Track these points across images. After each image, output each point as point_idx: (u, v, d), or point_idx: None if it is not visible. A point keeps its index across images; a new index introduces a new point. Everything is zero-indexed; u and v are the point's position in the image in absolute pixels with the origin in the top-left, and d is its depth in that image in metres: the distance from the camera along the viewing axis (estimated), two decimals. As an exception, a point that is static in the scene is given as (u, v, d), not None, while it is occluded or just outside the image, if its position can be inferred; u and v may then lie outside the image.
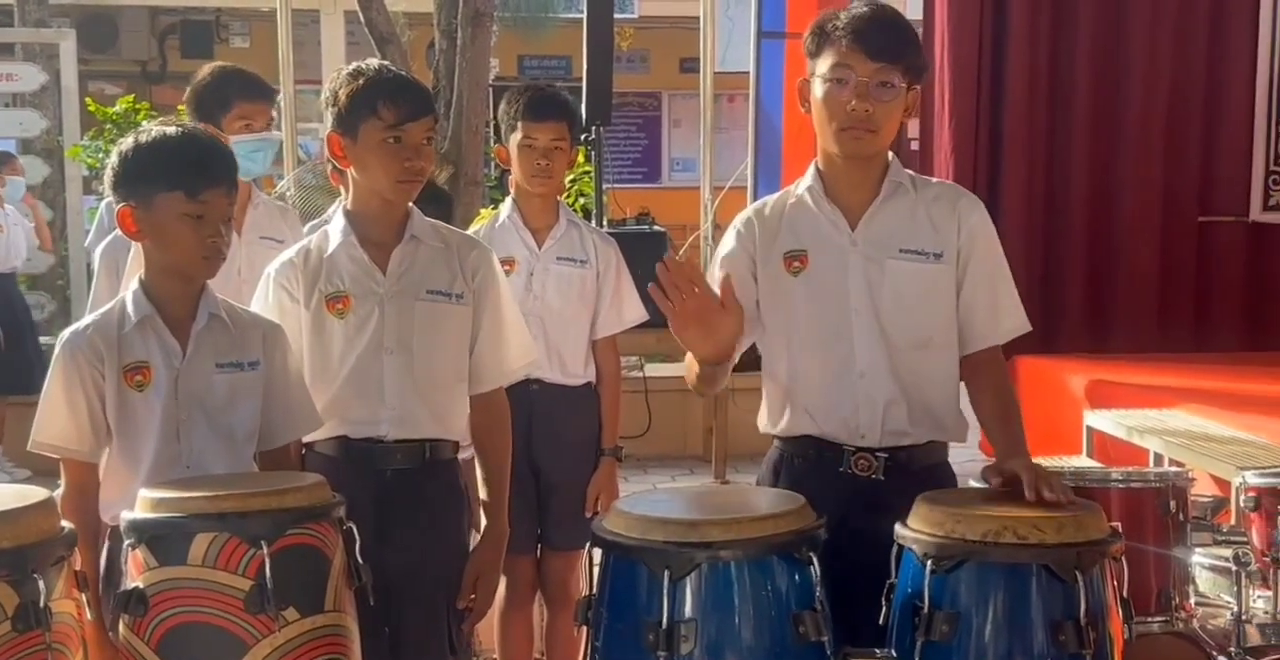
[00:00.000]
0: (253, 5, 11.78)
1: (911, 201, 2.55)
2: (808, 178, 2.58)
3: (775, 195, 2.66)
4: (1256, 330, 6.54)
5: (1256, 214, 6.52)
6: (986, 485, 2.34)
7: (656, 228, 6.71)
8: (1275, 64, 6.47)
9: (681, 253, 8.05)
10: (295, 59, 8.46)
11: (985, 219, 2.58)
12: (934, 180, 2.67)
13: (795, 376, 2.56)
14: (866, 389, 2.50)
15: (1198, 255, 6.52)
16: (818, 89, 2.48)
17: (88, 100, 8.82)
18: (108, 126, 8.05)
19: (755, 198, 7.02)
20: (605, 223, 6.87)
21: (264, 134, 3.51)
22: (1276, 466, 2.94)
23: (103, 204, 4.86)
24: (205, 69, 3.60)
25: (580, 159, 7.44)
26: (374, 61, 2.70)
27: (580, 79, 6.99)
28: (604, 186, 7.13)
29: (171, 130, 2.46)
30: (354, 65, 2.68)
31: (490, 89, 9.20)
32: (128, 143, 2.46)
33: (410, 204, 2.72)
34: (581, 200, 7.61)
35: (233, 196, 2.46)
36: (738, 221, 2.64)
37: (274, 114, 3.61)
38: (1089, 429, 4.98)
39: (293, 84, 8.47)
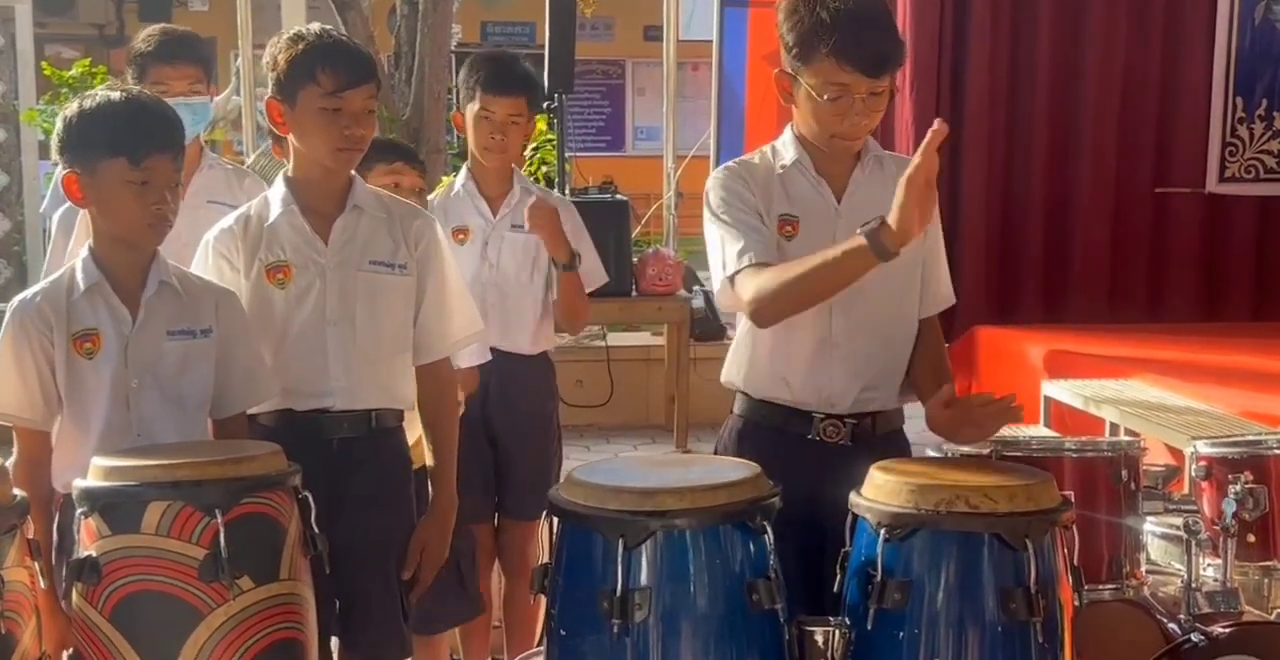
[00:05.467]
0: (211, -32, 11.62)
1: (886, 176, 2.56)
2: (790, 148, 2.58)
3: (755, 155, 2.63)
4: (1212, 301, 6.62)
5: (1213, 185, 6.57)
6: (941, 455, 2.37)
7: (619, 196, 6.69)
8: (1233, 33, 6.50)
9: (644, 222, 8.05)
10: (255, 23, 8.36)
11: None
12: (891, 154, 2.69)
13: (773, 342, 2.57)
14: (842, 358, 2.55)
15: (1155, 226, 6.58)
16: (806, 98, 2.47)
17: (44, 64, 8.68)
18: (64, 91, 7.93)
19: (717, 163, 7.03)
20: (568, 191, 6.85)
21: (179, 98, 3.35)
22: (1228, 436, 2.98)
23: (58, 168, 4.80)
24: (140, 34, 3.55)
25: (542, 127, 7.41)
26: (315, 26, 2.65)
27: (543, 46, 6.95)
28: (567, 155, 7.11)
29: (116, 95, 2.42)
30: (295, 29, 2.64)
31: (452, 55, 9.14)
32: (72, 108, 2.43)
33: (353, 172, 2.69)
34: (544, 168, 7.57)
35: (179, 162, 2.42)
36: (723, 174, 2.59)
37: (204, 76, 3.47)
38: (1047, 399, 5.04)
39: (251, 48, 8.37)
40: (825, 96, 2.43)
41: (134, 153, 2.34)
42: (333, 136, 2.57)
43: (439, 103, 8.28)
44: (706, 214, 2.58)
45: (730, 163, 2.66)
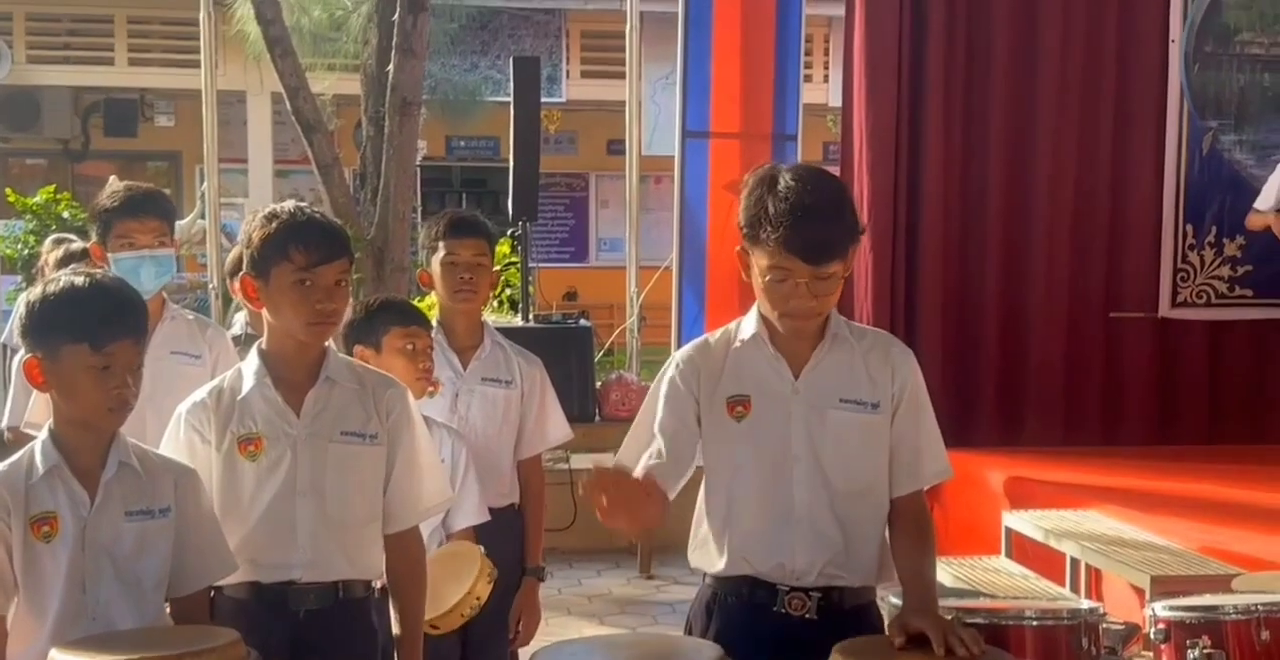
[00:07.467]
0: (178, 85, 11.76)
1: (850, 352, 2.59)
2: (751, 324, 2.61)
3: (717, 334, 2.68)
4: (1165, 423, 6.69)
5: (1165, 310, 6.69)
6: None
7: (583, 322, 6.76)
8: (1182, 162, 6.67)
9: (607, 345, 8.10)
10: (221, 138, 8.46)
11: (915, 368, 2.63)
12: (868, 329, 2.73)
13: (733, 518, 2.58)
14: (804, 534, 2.54)
15: (1108, 350, 6.67)
16: (757, 276, 2.51)
17: (8, 191, 8.72)
18: (27, 216, 7.98)
19: (680, 284, 7.12)
20: (532, 316, 6.90)
21: (144, 252, 3.47)
22: (1186, 599, 2.99)
23: (21, 296, 4.82)
24: (105, 188, 3.62)
25: (505, 250, 7.50)
26: (289, 204, 2.70)
27: (508, 160, 7.06)
28: (531, 265, 7.17)
29: (80, 280, 2.43)
30: (269, 208, 2.69)
31: (418, 171, 9.23)
32: (35, 293, 2.43)
33: (328, 344, 2.72)
34: (509, 291, 7.64)
35: (141, 346, 2.43)
36: (679, 358, 2.66)
37: (168, 230, 3.56)
38: (1008, 530, 5.06)
39: (217, 163, 8.46)
40: (769, 278, 2.48)
41: (96, 338, 2.35)
42: (304, 311, 2.60)
43: (403, 223, 8.33)
44: (654, 384, 2.66)
45: (693, 343, 2.70)
